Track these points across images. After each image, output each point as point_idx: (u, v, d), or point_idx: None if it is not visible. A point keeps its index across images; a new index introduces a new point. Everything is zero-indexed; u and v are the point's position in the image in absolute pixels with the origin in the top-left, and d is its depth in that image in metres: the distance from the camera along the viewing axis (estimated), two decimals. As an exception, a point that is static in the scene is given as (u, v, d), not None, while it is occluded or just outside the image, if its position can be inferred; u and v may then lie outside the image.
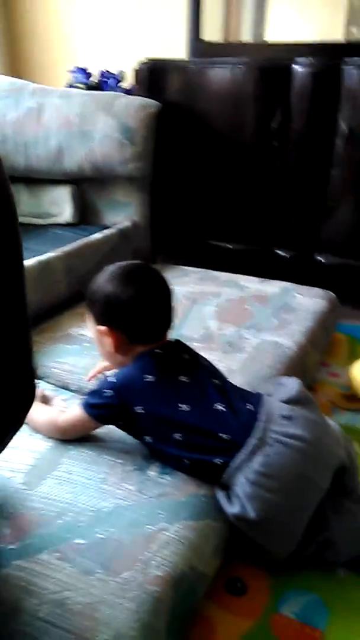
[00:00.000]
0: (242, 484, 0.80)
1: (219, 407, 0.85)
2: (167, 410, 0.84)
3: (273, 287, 1.56)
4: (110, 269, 0.93)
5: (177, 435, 0.84)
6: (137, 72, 1.78)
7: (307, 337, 1.33)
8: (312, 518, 0.86)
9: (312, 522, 0.86)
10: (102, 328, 0.90)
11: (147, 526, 0.76)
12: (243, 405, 0.86)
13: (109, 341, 0.90)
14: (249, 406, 0.86)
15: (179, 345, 0.94)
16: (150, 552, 0.72)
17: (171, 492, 0.83)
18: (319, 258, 1.73)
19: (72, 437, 0.90)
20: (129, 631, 0.62)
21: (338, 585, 0.88)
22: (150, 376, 0.86)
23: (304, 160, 1.65)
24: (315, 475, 0.83)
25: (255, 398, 0.89)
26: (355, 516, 0.89)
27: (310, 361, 1.32)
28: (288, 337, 1.29)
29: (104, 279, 0.91)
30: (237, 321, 1.36)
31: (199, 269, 1.70)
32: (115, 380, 0.86)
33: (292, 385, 0.91)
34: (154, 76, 1.77)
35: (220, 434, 0.83)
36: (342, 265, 1.70)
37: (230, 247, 1.88)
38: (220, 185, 1.81)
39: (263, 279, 1.62)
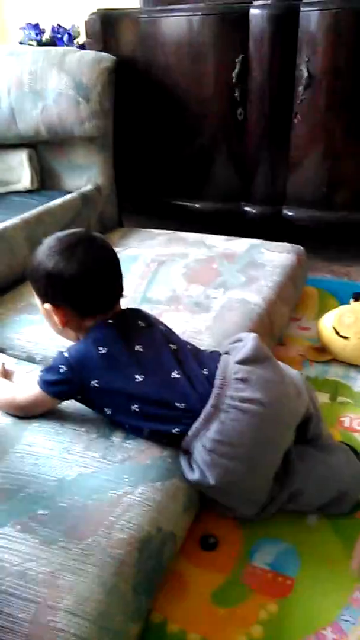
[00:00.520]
0: (199, 452, 0.79)
1: (175, 374, 0.82)
2: (122, 382, 0.82)
3: (241, 244, 1.53)
4: (49, 242, 0.87)
5: (134, 407, 0.82)
6: (88, 25, 1.68)
7: (276, 292, 1.31)
8: (280, 469, 0.86)
9: (280, 473, 0.86)
10: (48, 306, 0.87)
11: (112, 491, 0.76)
12: (199, 371, 0.84)
13: (56, 319, 0.87)
14: (205, 371, 0.84)
15: (133, 312, 0.92)
16: (114, 516, 0.72)
17: (136, 455, 0.82)
18: (287, 212, 1.70)
19: (33, 414, 0.89)
20: (93, 594, 0.63)
21: (309, 533, 0.89)
22: (103, 348, 0.83)
23: (266, 110, 1.59)
24: (274, 437, 0.82)
25: (212, 361, 0.86)
26: (321, 463, 0.90)
27: (280, 316, 1.31)
28: (256, 294, 1.27)
29: (44, 255, 0.86)
30: (205, 281, 1.33)
31: (167, 231, 1.66)
32: (68, 356, 0.84)
33: (247, 342, 0.88)
34: (106, 28, 1.68)
35: (176, 403, 0.81)
36: (310, 218, 1.67)
37: (198, 206, 1.83)
38: (184, 142, 1.75)
39: (231, 237, 1.58)
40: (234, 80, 1.57)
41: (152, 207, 2.00)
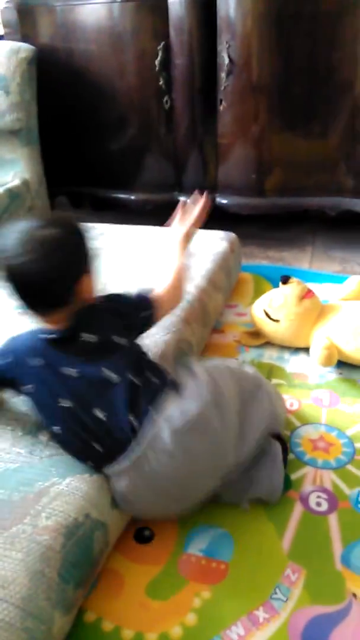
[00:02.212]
0: (114, 491, 0.83)
1: (98, 414, 0.81)
2: (48, 400, 0.83)
3: (174, 234, 1.53)
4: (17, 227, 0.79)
5: (56, 428, 0.84)
6: (3, 14, 1.65)
7: (208, 280, 1.34)
8: None
9: None
10: None
11: (39, 483, 0.79)
12: (125, 417, 0.80)
13: None
14: (132, 418, 0.80)
15: (85, 322, 0.84)
16: (41, 505, 0.75)
17: (63, 452, 0.85)
18: (220, 200, 1.72)
19: None
20: (17, 579, 0.66)
21: (242, 517, 0.93)
22: (38, 360, 0.83)
23: (191, 98, 1.62)
24: (186, 495, 0.85)
25: (149, 403, 0.81)
26: (245, 475, 0.92)
27: (213, 304, 1.34)
28: (188, 282, 1.28)
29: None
30: (137, 272, 1.33)
31: (99, 224, 1.66)
32: (11, 347, 0.87)
33: (190, 404, 0.81)
34: (23, 18, 1.66)
35: (93, 444, 0.81)
36: (242, 205, 1.69)
37: (133, 197, 1.83)
38: (113, 132, 1.76)
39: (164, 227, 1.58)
40: (157, 69, 1.57)
41: (87, 200, 1.98)
